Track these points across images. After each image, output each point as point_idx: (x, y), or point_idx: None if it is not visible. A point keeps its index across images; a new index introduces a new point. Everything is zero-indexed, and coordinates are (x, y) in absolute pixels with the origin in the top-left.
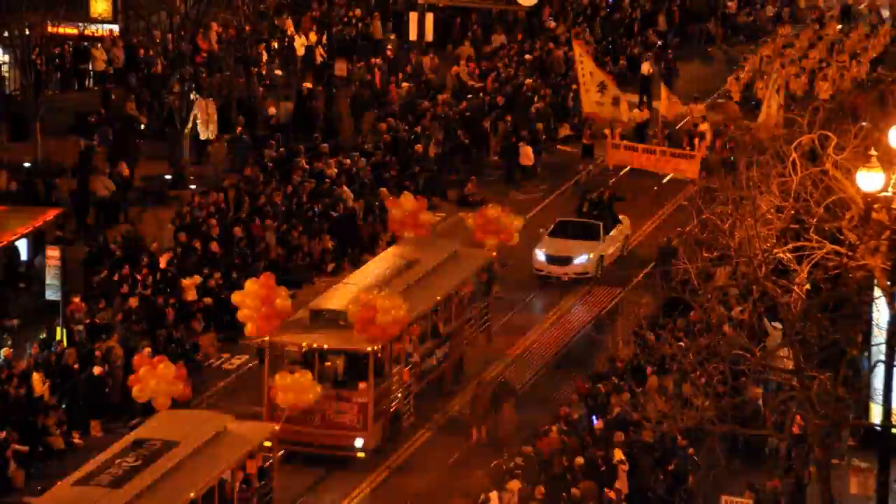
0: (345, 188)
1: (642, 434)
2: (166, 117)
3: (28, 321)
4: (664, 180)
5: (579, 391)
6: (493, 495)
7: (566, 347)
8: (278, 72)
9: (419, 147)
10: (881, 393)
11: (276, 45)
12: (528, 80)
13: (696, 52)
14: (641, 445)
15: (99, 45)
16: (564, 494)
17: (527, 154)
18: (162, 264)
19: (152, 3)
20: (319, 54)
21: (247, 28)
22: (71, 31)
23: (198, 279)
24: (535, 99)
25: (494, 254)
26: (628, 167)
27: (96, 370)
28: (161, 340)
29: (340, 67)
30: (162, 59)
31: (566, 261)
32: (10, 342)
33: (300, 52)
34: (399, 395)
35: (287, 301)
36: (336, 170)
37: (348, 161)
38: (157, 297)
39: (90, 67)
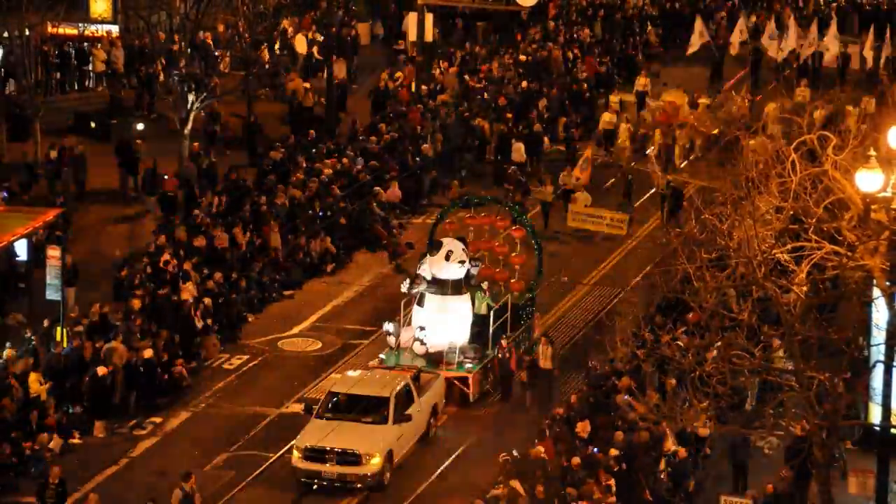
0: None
1: (637, 435)
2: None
3: (28, 321)
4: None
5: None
6: (499, 492)
7: (566, 347)
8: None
9: (426, 147)
10: (881, 393)
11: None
12: (525, 82)
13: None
14: (639, 445)
15: (98, 45)
16: (562, 494)
17: (518, 150)
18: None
19: (152, 3)
20: (317, 54)
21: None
22: (71, 31)
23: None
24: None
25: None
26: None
27: (100, 370)
28: (163, 341)
29: (339, 68)
30: (162, 59)
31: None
32: (8, 343)
33: (301, 51)
34: None
35: None
36: (332, 170)
37: (346, 161)
38: (158, 297)
39: (90, 68)
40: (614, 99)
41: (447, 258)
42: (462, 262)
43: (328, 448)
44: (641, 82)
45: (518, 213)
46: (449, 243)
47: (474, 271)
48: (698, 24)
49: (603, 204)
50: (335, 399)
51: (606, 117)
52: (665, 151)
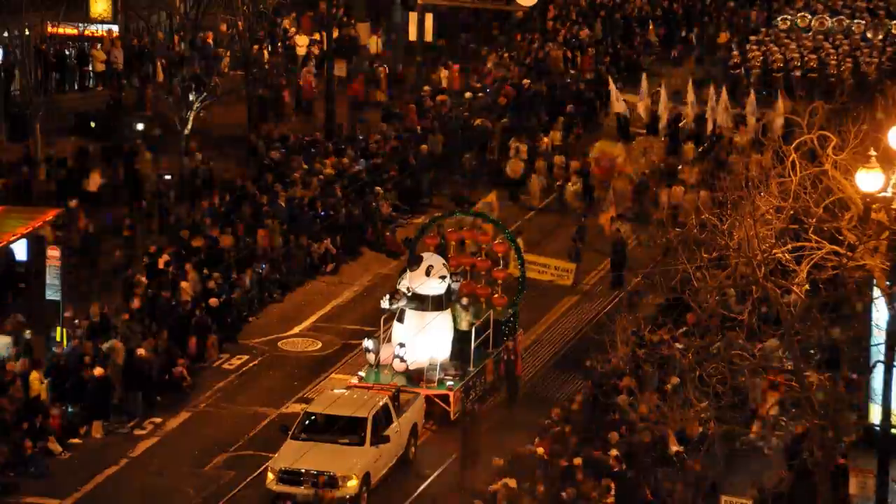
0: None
1: (637, 435)
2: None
3: (28, 321)
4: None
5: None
6: (498, 486)
7: (566, 348)
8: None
9: (425, 147)
10: (880, 393)
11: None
12: (526, 81)
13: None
14: (639, 446)
15: (99, 45)
16: (563, 494)
17: (522, 152)
18: (160, 265)
19: (152, 3)
20: (316, 53)
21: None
22: (71, 31)
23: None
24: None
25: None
26: None
27: (97, 371)
28: (162, 341)
29: (340, 68)
30: (162, 59)
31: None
32: (13, 343)
33: (301, 52)
34: None
35: None
36: (333, 170)
37: (346, 161)
38: (157, 297)
39: (90, 68)
40: (523, 148)
41: (427, 273)
42: (443, 277)
43: (303, 470)
44: (556, 135)
45: (502, 228)
46: (429, 258)
47: (455, 287)
48: (613, 91)
49: (550, 247)
50: (311, 419)
51: (514, 165)
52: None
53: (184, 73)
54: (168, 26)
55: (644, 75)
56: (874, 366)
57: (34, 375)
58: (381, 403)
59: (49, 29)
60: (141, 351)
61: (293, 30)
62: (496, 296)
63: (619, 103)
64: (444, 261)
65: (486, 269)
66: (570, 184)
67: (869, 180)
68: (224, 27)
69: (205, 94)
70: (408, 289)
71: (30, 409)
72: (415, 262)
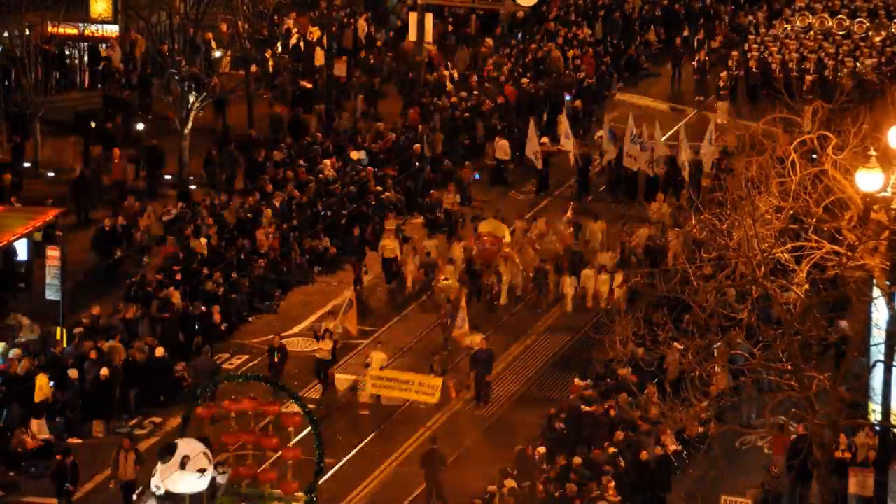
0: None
1: (638, 435)
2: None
3: (30, 321)
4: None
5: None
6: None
7: (566, 347)
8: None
9: (417, 147)
10: (880, 393)
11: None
12: (525, 80)
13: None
14: (638, 445)
15: (104, 45)
16: (560, 493)
17: (503, 148)
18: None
19: (152, 3)
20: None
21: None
22: (71, 31)
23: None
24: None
25: None
26: None
27: (102, 372)
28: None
29: (340, 68)
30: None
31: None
32: (17, 342)
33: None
34: None
35: None
36: (333, 171)
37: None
38: (160, 298)
39: (99, 67)
40: (391, 226)
41: (182, 466)
42: (202, 470)
43: None
44: (450, 199)
45: (290, 392)
46: (185, 446)
47: (222, 480)
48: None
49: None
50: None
51: (388, 244)
52: (488, 293)
53: (183, 73)
54: (168, 26)
55: (563, 115)
56: (874, 365)
57: (42, 380)
58: None
59: (49, 29)
60: (139, 352)
61: (296, 30)
62: (284, 481)
63: (567, 141)
64: (204, 448)
65: (271, 447)
66: (442, 277)
67: (869, 180)
68: (224, 27)
69: (204, 94)
70: (157, 486)
71: (34, 409)
72: (167, 451)
